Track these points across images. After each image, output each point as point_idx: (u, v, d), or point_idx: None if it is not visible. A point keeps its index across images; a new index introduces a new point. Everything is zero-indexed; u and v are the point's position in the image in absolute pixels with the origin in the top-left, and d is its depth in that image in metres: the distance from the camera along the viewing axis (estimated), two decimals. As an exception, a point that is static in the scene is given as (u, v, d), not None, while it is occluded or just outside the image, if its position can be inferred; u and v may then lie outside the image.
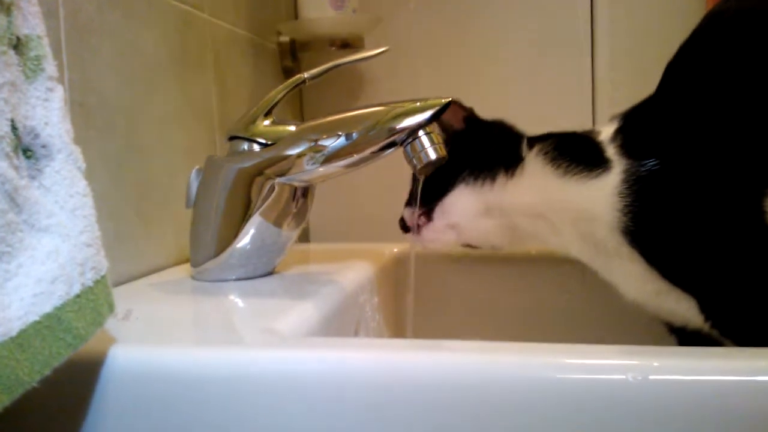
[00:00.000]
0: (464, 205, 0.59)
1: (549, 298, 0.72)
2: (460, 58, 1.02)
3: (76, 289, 0.31)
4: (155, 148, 0.64)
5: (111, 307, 0.35)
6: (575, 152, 0.55)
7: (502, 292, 0.73)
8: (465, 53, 1.02)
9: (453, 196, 0.59)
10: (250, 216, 0.56)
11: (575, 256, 0.58)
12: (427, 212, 0.61)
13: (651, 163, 0.51)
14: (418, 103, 0.55)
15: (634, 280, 0.54)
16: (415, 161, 0.55)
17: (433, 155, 0.55)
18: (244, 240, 0.57)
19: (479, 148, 0.60)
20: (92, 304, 0.32)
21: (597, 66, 0.99)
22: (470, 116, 0.63)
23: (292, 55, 1.00)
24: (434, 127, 0.56)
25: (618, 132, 0.54)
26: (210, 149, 0.75)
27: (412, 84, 1.02)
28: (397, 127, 0.55)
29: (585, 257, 0.57)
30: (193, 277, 0.58)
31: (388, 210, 1.06)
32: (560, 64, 0.99)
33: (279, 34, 0.98)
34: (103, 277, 0.34)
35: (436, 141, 0.55)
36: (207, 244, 0.57)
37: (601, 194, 0.52)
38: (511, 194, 0.57)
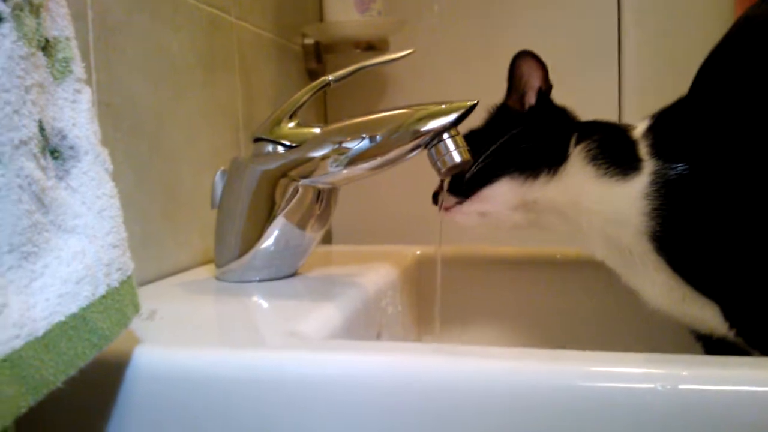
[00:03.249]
0: (503, 198, 0.59)
1: (575, 304, 0.71)
2: (485, 60, 1.01)
3: (102, 290, 0.31)
4: (181, 150, 0.64)
5: (136, 308, 0.35)
6: (614, 152, 0.54)
7: (526, 297, 0.72)
8: (490, 56, 1.01)
9: (495, 187, 0.58)
10: (274, 217, 0.57)
11: (600, 259, 0.57)
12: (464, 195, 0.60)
13: (680, 167, 0.49)
14: (443, 106, 0.55)
15: (659, 287, 0.53)
16: (439, 164, 0.55)
17: (457, 158, 0.54)
18: (268, 241, 0.57)
19: (534, 141, 0.59)
20: (118, 304, 0.32)
21: (624, 68, 0.97)
22: (544, 93, 0.62)
23: (317, 57, 1.00)
24: (458, 130, 0.55)
25: (649, 130, 0.53)
26: (235, 150, 0.75)
27: (437, 86, 1.02)
28: (422, 129, 0.54)
29: (610, 261, 0.56)
30: (217, 278, 0.59)
31: (411, 211, 1.06)
32: (587, 67, 0.98)
33: (304, 36, 0.99)
34: (129, 277, 0.35)
35: (460, 144, 0.55)
36: (231, 245, 0.58)
37: (630, 197, 0.51)
38: (549, 192, 0.57)
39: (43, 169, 0.30)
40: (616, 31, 0.97)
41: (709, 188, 0.48)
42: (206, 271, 0.62)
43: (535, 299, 0.72)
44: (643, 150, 0.52)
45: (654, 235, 0.50)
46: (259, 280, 0.57)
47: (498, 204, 0.59)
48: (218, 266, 0.59)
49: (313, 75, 1.02)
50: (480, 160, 0.59)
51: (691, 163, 0.49)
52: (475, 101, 0.56)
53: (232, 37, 0.76)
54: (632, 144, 0.53)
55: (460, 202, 0.60)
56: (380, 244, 0.84)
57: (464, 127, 0.57)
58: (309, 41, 0.99)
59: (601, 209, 0.53)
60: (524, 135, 0.59)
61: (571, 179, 0.56)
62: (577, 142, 0.56)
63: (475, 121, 0.61)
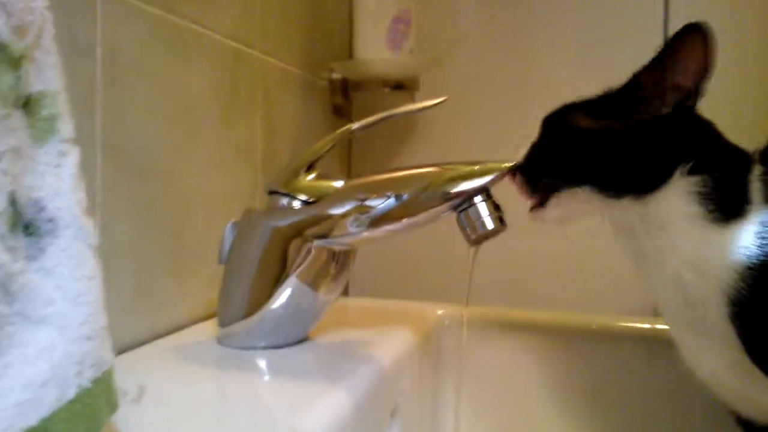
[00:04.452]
0: (578, 206, 0.51)
1: (609, 381, 0.65)
2: (522, 104, 0.96)
3: (71, 393, 0.27)
4: (192, 195, 0.60)
5: (113, 408, 0.30)
6: (726, 194, 0.45)
7: (557, 369, 0.66)
8: (527, 99, 0.96)
9: (574, 195, 0.51)
10: (285, 278, 0.52)
11: (657, 304, 0.50)
12: (542, 198, 0.52)
13: None
14: (477, 167, 0.50)
15: (719, 357, 0.45)
16: (468, 230, 0.50)
17: (489, 225, 0.50)
18: (277, 303, 0.52)
19: (636, 158, 0.49)
20: (88, 409, 0.27)
21: None
22: (690, 104, 0.50)
23: (343, 92, 0.96)
24: (491, 194, 0.51)
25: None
26: (251, 195, 0.71)
27: (469, 130, 0.97)
28: (452, 191, 0.50)
29: (669, 310, 0.49)
30: (218, 341, 0.54)
31: (433, 262, 1.01)
32: None
33: (331, 70, 0.95)
34: (105, 372, 0.30)
35: (492, 210, 0.50)
36: (237, 305, 0.53)
37: (724, 245, 0.43)
38: (628, 214, 0.49)
39: (11, 250, 0.26)
40: (662, 38, 0.91)
41: None
42: (208, 330, 0.58)
43: (566, 372, 0.66)
44: (757, 191, 0.44)
45: (736, 299, 0.42)
46: (265, 347, 0.52)
47: (575, 212, 0.51)
48: (221, 325, 0.54)
49: (338, 111, 0.98)
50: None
51: None
52: (512, 163, 0.51)
53: (256, 72, 0.72)
54: (747, 184, 0.45)
55: (541, 204, 0.52)
56: (399, 297, 0.79)
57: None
58: (336, 76, 0.95)
59: (685, 251, 0.45)
60: (630, 146, 0.49)
61: (661, 208, 0.47)
62: (689, 172, 0.46)
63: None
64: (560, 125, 0.54)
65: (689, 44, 0.48)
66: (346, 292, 1.00)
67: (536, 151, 0.54)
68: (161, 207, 0.56)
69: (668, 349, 0.61)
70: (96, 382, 0.28)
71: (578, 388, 0.65)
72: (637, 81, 0.51)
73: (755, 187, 0.44)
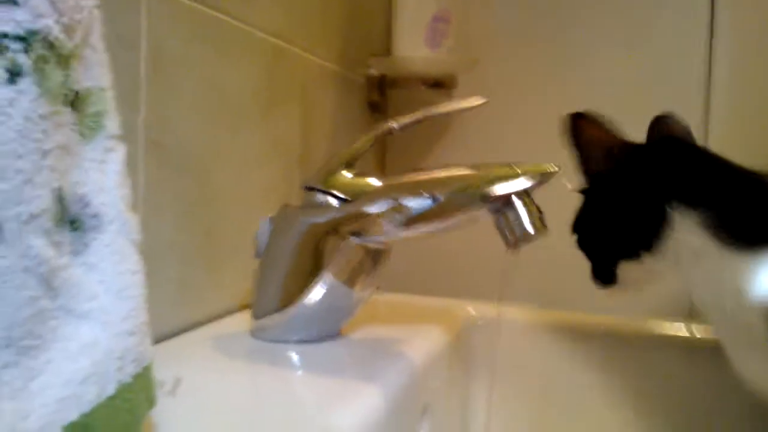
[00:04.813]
0: (635, 279, 0.54)
1: (646, 383, 0.64)
2: (560, 101, 0.94)
3: (111, 389, 0.27)
4: (231, 191, 0.61)
5: (151, 403, 0.31)
6: (739, 219, 0.44)
7: (591, 373, 0.65)
8: (566, 96, 0.94)
9: (622, 272, 0.53)
10: (320, 273, 0.52)
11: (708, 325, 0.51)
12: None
13: None
14: (518, 168, 0.49)
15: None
16: (508, 234, 0.49)
17: (530, 229, 0.49)
18: (312, 298, 0.52)
19: (614, 218, 0.53)
20: (128, 404, 0.28)
21: (712, 111, 0.88)
22: (615, 155, 0.53)
23: (380, 89, 0.96)
24: (532, 197, 0.50)
25: None
26: (287, 191, 0.71)
27: (506, 128, 0.96)
28: (492, 193, 0.49)
29: (720, 334, 0.48)
30: (252, 334, 0.54)
31: (466, 259, 1.00)
32: (672, 99, 0.89)
33: (368, 67, 0.94)
34: (145, 368, 0.30)
35: (534, 212, 0.49)
36: (271, 297, 0.53)
37: (755, 272, 0.42)
38: (662, 267, 0.50)
39: (57, 245, 0.26)
40: (706, 62, 0.89)
41: None
42: (242, 321, 0.58)
43: (601, 377, 0.65)
44: None
45: None
46: (298, 341, 0.53)
47: (637, 284, 0.54)
48: (255, 317, 0.54)
49: (374, 107, 0.98)
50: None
51: None
52: (556, 168, 0.50)
53: (295, 69, 0.72)
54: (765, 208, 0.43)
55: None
56: (431, 293, 0.78)
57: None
58: (374, 73, 0.95)
59: (718, 283, 0.45)
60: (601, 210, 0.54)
61: (679, 250, 0.47)
62: (692, 207, 0.46)
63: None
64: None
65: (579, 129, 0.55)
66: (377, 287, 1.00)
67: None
68: (200, 202, 0.56)
69: (709, 354, 0.60)
70: (136, 377, 0.29)
71: (614, 393, 0.64)
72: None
73: None
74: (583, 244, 0.56)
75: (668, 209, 0.47)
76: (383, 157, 1.03)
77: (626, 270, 0.53)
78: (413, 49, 0.87)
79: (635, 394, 0.64)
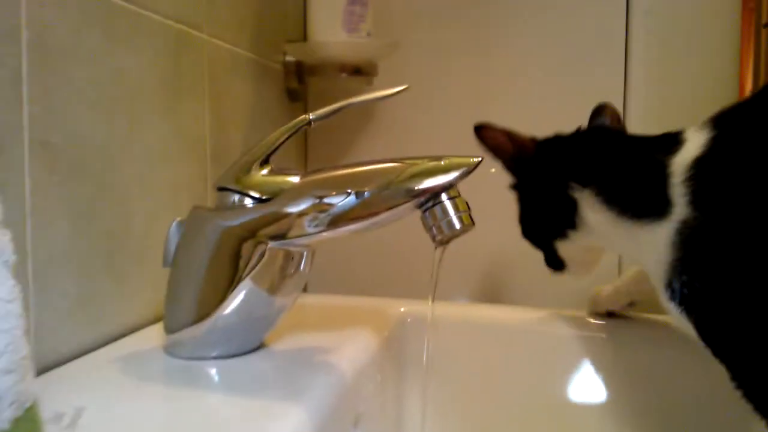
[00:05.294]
0: (575, 257, 0.59)
1: (584, 378, 0.63)
2: (486, 86, 0.93)
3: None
4: (134, 190, 0.56)
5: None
6: (629, 192, 0.49)
7: (530, 370, 0.64)
8: (492, 80, 0.93)
9: (562, 252, 0.58)
10: (238, 281, 0.48)
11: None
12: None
13: (707, 215, 0.43)
14: (443, 162, 0.47)
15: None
16: (434, 230, 0.47)
17: (457, 225, 0.46)
18: (230, 308, 0.48)
19: (534, 205, 0.59)
20: (5, 460, 0.24)
21: (630, 70, 0.88)
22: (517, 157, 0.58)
23: (298, 76, 0.91)
24: (458, 191, 0.48)
25: (696, 162, 0.45)
26: (200, 188, 0.66)
27: (430, 115, 0.94)
28: (417, 188, 0.46)
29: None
30: (165, 350, 0.50)
31: (395, 256, 0.98)
32: (590, 86, 0.89)
33: (285, 53, 0.90)
34: (28, 409, 0.26)
35: (461, 208, 0.47)
36: (185, 309, 0.49)
37: (654, 243, 0.46)
38: (588, 241, 0.55)
39: None
40: (623, 34, 0.88)
41: (732, 240, 0.42)
42: (155, 336, 0.53)
43: (539, 374, 0.63)
44: (678, 190, 0.45)
45: (670, 285, 0.45)
46: (217, 357, 0.49)
47: (585, 265, 0.60)
48: (168, 331, 0.50)
49: (293, 96, 0.93)
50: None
51: (720, 210, 0.43)
52: (479, 158, 0.47)
53: (202, 56, 0.67)
54: (662, 181, 0.46)
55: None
56: (360, 293, 0.76)
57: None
58: (290, 59, 0.91)
59: (630, 253, 0.53)
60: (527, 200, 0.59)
61: (593, 228, 0.52)
62: (585, 186, 0.51)
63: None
64: None
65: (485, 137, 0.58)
66: (304, 289, 0.96)
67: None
68: (100, 205, 0.51)
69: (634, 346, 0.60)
70: (17, 422, 0.24)
71: (552, 389, 0.63)
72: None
73: (677, 183, 0.45)
74: (526, 234, 0.60)
75: (570, 190, 0.53)
76: (305, 151, 0.99)
77: (569, 252, 0.58)
78: (330, 34, 0.83)
79: (572, 389, 0.63)
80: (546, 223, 0.57)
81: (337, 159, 0.96)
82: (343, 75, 0.86)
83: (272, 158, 0.51)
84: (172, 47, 0.61)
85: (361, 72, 0.86)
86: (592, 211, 0.51)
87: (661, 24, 0.87)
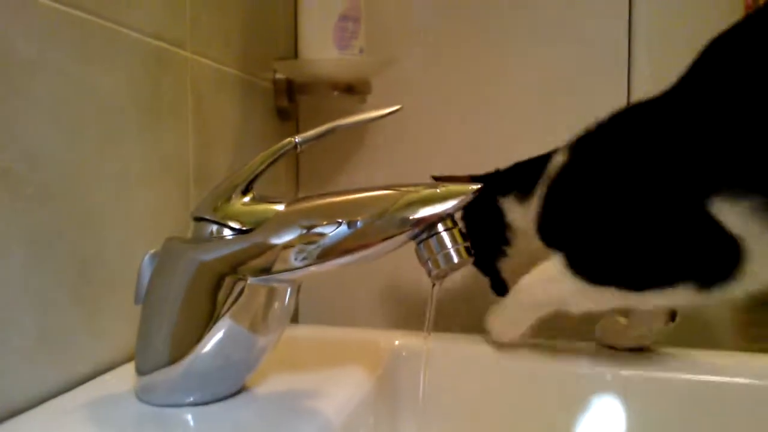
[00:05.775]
0: (510, 275, 0.67)
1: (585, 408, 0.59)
2: (481, 101, 0.89)
3: None
4: (108, 217, 0.51)
5: None
6: (521, 186, 0.66)
7: (532, 406, 0.60)
8: (487, 96, 0.89)
9: (503, 272, 0.69)
10: (216, 319, 0.44)
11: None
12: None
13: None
14: (439, 190, 0.43)
15: None
16: (430, 264, 0.43)
17: (454, 259, 0.43)
18: (207, 349, 0.44)
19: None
20: None
21: (633, 83, 0.85)
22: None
23: (288, 95, 0.88)
24: (456, 221, 0.44)
25: (557, 168, 0.61)
26: (182, 211, 0.62)
27: (428, 136, 0.90)
28: (411, 217, 0.42)
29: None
30: (137, 396, 0.45)
31: (392, 287, 0.94)
32: (591, 103, 0.85)
33: (274, 71, 0.86)
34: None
35: (459, 240, 0.43)
36: (158, 350, 0.44)
37: (531, 211, 0.63)
38: (518, 251, 0.67)
39: None
40: (626, 54, 0.85)
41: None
42: (129, 376, 0.49)
43: (542, 411, 0.59)
44: (543, 181, 0.62)
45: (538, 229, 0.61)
46: (193, 404, 0.44)
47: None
48: (140, 373, 0.45)
49: (283, 115, 0.89)
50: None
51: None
52: (478, 186, 0.44)
53: (185, 75, 0.63)
54: (536, 176, 0.63)
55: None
56: (354, 321, 0.72)
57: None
58: (280, 77, 0.87)
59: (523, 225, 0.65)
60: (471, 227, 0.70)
61: (516, 230, 0.66)
62: (506, 194, 0.67)
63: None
64: None
65: None
66: (295, 319, 0.92)
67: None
68: (68, 234, 0.47)
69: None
70: None
71: (552, 420, 0.58)
72: None
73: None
74: (476, 262, 0.69)
75: (497, 203, 0.67)
76: (296, 177, 0.95)
77: (508, 271, 0.68)
78: (321, 51, 0.79)
79: (572, 422, 0.59)
80: (487, 242, 0.68)
81: (332, 185, 0.92)
82: (336, 93, 0.82)
83: (255, 185, 0.47)
84: (151, 65, 0.57)
85: (354, 90, 0.83)
86: (512, 212, 0.66)
87: (663, 34, 0.84)
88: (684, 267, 0.52)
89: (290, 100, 0.88)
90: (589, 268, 0.55)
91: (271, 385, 0.49)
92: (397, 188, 0.43)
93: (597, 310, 0.58)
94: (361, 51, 0.82)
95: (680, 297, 0.52)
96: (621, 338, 0.62)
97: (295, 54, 0.83)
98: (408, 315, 0.81)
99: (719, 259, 0.51)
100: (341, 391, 0.49)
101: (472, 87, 0.89)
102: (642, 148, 0.55)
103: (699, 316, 0.77)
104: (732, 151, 0.50)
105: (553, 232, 0.60)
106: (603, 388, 0.58)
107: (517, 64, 0.88)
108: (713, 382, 0.57)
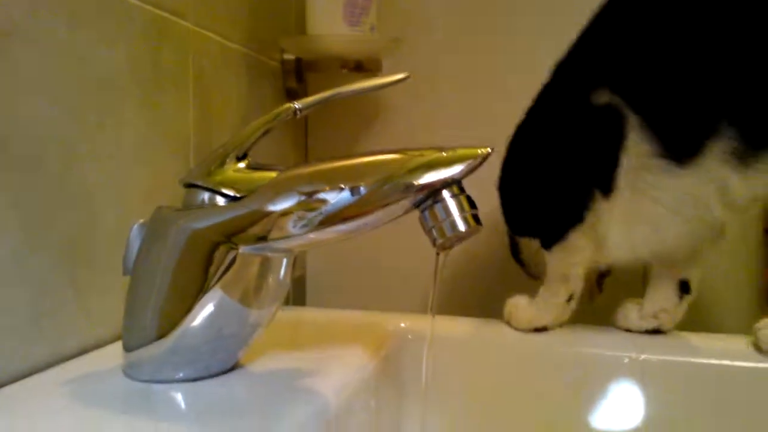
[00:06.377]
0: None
1: (594, 398, 0.56)
2: (495, 87, 0.86)
3: None
4: (102, 192, 0.49)
5: None
6: None
7: (538, 390, 0.57)
8: (501, 81, 0.86)
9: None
10: (206, 290, 0.41)
11: None
12: None
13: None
14: (445, 153, 0.40)
15: None
16: (435, 233, 0.40)
17: (461, 227, 0.40)
18: (197, 323, 0.41)
19: None
20: None
21: None
22: None
23: (297, 75, 0.85)
24: (463, 188, 0.41)
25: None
26: (180, 191, 0.60)
27: (437, 118, 0.87)
28: (416, 183, 0.40)
29: None
30: (124, 371, 0.43)
31: (398, 265, 0.91)
32: None
33: (283, 50, 0.84)
34: None
35: (465, 207, 0.40)
36: (146, 324, 0.42)
37: None
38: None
39: None
40: None
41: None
42: (118, 355, 0.47)
43: (548, 395, 0.57)
44: None
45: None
46: (182, 380, 0.42)
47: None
48: (127, 349, 0.43)
49: (292, 95, 0.87)
50: None
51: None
52: (489, 149, 0.41)
53: (187, 47, 0.61)
54: None
55: None
56: (362, 305, 0.69)
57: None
58: (289, 56, 0.84)
59: None
60: None
61: None
62: None
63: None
64: None
65: None
66: (303, 302, 0.90)
67: None
68: (60, 209, 0.45)
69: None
70: None
71: (562, 411, 0.55)
72: None
73: None
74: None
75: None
76: (306, 151, 0.93)
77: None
78: (330, 27, 0.77)
79: (580, 406, 0.56)
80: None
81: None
82: (344, 71, 0.80)
83: (255, 154, 0.44)
84: (151, 35, 0.55)
85: (364, 68, 0.80)
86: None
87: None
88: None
89: (299, 80, 0.86)
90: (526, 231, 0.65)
91: (268, 362, 0.46)
92: (402, 151, 0.41)
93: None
94: (372, 29, 0.79)
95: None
96: (638, 321, 0.59)
97: (303, 30, 0.81)
98: (423, 303, 0.78)
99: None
100: (342, 371, 0.47)
101: (486, 71, 0.86)
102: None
103: (718, 301, 0.74)
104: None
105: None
106: (620, 372, 0.55)
107: (531, 48, 0.84)
108: (731, 366, 0.54)
